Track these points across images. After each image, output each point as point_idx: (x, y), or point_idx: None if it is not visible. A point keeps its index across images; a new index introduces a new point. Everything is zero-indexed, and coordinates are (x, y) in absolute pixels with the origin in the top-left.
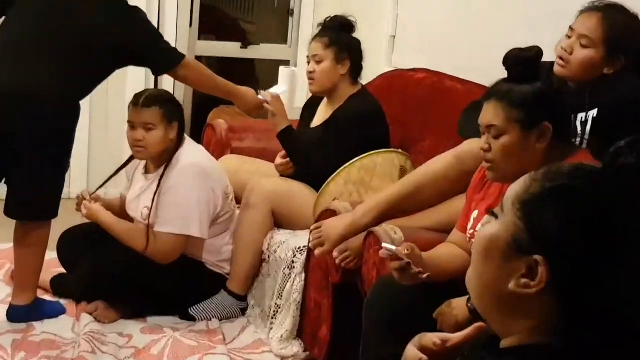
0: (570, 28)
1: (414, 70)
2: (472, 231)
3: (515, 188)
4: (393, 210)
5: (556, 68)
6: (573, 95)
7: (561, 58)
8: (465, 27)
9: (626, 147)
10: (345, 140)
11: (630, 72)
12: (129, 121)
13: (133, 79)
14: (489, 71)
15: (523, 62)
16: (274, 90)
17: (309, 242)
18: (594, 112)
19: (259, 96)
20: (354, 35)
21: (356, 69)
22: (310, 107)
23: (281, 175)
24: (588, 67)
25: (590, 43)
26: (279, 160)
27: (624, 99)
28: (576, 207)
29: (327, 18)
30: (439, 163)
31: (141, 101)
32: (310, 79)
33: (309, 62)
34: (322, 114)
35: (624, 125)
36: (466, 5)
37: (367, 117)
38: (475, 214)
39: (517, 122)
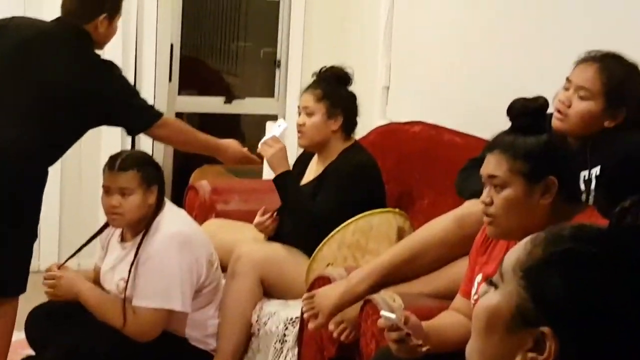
0: (568, 79)
1: (409, 123)
2: (476, 297)
3: (515, 254)
4: (391, 277)
5: (554, 122)
6: (574, 152)
7: (559, 111)
8: (463, 77)
9: (632, 206)
10: (339, 199)
11: (633, 124)
12: (103, 186)
13: (108, 140)
14: (489, 123)
15: (528, 113)
16: (273, 127)
17: (302, 313)
18: (596, 170)
19: (262, 140)
20: (351, 88)
21: (349, 125)
22: (300, 164)
23: (267, 239)
24: (587, 120)
25: (589, 95)
26: (258, 218)
27: (627, 155)
28: (583, 272)
29: (323, 68)
30: (438, 226)
31: (117, 164)
32: (299, 131)
33: (299, 114)
34: (312, 171)
35: (630, 183)
36: (464, 54)
37: (361, 173)
38: (479, 278)
39: (521, 175)
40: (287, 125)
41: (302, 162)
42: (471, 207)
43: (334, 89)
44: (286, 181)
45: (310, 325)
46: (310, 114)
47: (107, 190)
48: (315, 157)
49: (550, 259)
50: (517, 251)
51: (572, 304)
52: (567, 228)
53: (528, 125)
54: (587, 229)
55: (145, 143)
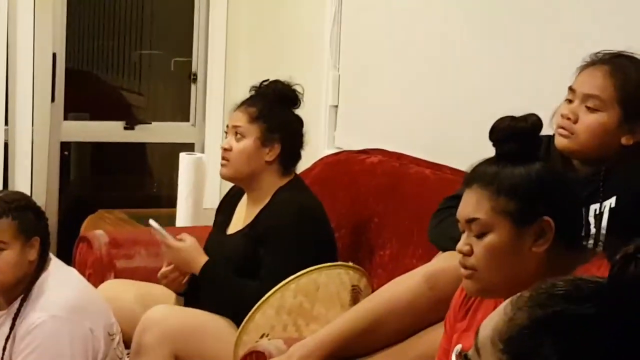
0: (571, 89)
1: (365, 151)
2: None
3: (492, 322)
4: (343, 351)
5: (558, 141)
6: (582, 179)
7: (563, 128)
8: (431, 93)
9: (637, 252)
10: (292, 261)
11: None
12: None
13: None
14: (466, 151)
15: (516, 136)
16: (154, 230)
17: None
18: (611, 202)
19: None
20: (297, 111)
21: (289, 158)
22: (225, 209)
23: (180, 295)
24: (600, 136)
25: (600, 104)
26: (164, 268)
27: None
28: (578, 341)
29: (265, 81)
30: (404, 286)
31: None
32: (223, 158)
33: (226, 134)
34: (241, 215)
35: None
36: (432, 64)
37: (307, 218)
38: (458, 349)
39: (506, 215)
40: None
41: (227, 208)
42: (446, 260)
43: (273, 109)
44: (210, 274)
45: None
46: (240, 137)
47: None
48: (244, 199)
49: (537, 326)
50: (495, 318)
51: None
52: (560, 284)
53: (516, 151)
54: (583, 283)
55: (21, 180)
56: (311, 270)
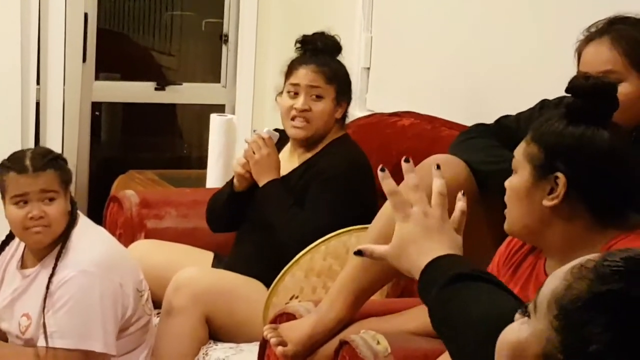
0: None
1: (396, 114)
2: None
3: (553, 283)
4: (366, 288)
5: None
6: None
7: None
8: (464, 56)
9: None
10: (336, 210)
11: None
12: (15, 195)
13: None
14: (496, 112)
15: (586, 95)
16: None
17: (261, 345)
18: None
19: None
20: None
21: (346, 112)
22: None
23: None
24: (629, 107)
25: (618, 76)
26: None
27: None
28: (633, 324)
29: (315, 34)
30: None
31: (29, 164)
32: (303, 119)
33: (294, 94)
34: (288, 159)
35: None
36: (465, 25)
37: (357, 171)
38: None
39: (530, 162)
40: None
41: None
42: (425, 160)
43: (340, 67)
44: (275, 189)
45: (279, 351)
46: (318, 97)
47: (21, 200)
48: (289, 149)
49: (594, 301)
50: (556, 279)
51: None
52: (621, 258)
53: (580, 107)
54: None
55: (52, 139)
56: (341, 233)
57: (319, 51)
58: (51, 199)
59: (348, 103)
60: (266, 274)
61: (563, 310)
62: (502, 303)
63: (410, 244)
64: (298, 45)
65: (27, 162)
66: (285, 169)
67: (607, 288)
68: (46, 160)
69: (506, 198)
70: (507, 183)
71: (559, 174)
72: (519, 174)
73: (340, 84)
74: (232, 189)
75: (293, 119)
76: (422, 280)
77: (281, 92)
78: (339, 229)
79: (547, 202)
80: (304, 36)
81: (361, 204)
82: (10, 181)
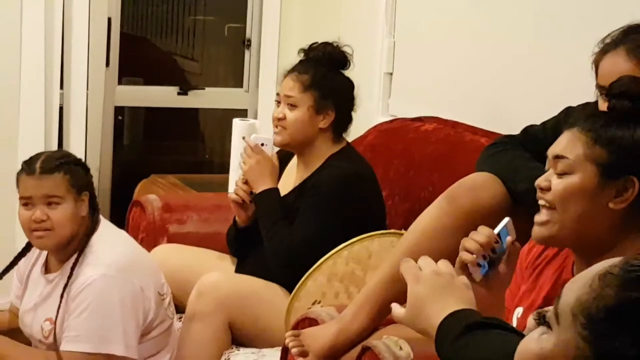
0: (599, 86)
1: (419, 119)
2: None
3: (576, 291)
4: (392, 300)
5: None
6: None
7: None
8: (488, 61)
9: None
10: (320, 221)
11: None
12: (22, 197)
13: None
14: (519, 118)
15: (633, 94)
16: (255, 138)
17: (282, 352)
18: None
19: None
20: (347, 73)
21: (342, 123)
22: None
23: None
24: None
25: None
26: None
27: None
28: None
29: (313, 44)
30: (428, 211)
31: (37, 167)
32: (277, 126)
33: (277, 103)
34: (290, 178)
35: None
36: (489, 30)
37: (353, 185)
38: (518, 311)
39: (596, 165)
40: (271, 141)
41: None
42: (464, 179)
43: (325, 74)
44: (265, 200)
45: None
46: (293, 106)
47: (27, 202)
48: (294, 162)
49: (624, 311)
50: (580, 287)
51: None
52: None
53: (628, 109)
54: None
55: (75, 143)
56: (363, 238)
57: (310, 61)
58: (55, 203)
59: (341, 112)
60: (285, 281)
61: (592, 321)
62: (516, 344)
63: (425, 304)
64: (301, 53)
65: (37, 165)
66: (285, 188)
67: (636, 296)
68: (57, 163)
69: (555, 199)
70: (561, 183)
71: (632, 176)
72: (578, 175)
73: (323, 93)
74: (236, 225)
75: (276, 127)
76: (438, 335)
77: None
78: (323, 246)
79: (614, 205)
80: (309, 45)
81: (360, 220)
82: (20, 182)
